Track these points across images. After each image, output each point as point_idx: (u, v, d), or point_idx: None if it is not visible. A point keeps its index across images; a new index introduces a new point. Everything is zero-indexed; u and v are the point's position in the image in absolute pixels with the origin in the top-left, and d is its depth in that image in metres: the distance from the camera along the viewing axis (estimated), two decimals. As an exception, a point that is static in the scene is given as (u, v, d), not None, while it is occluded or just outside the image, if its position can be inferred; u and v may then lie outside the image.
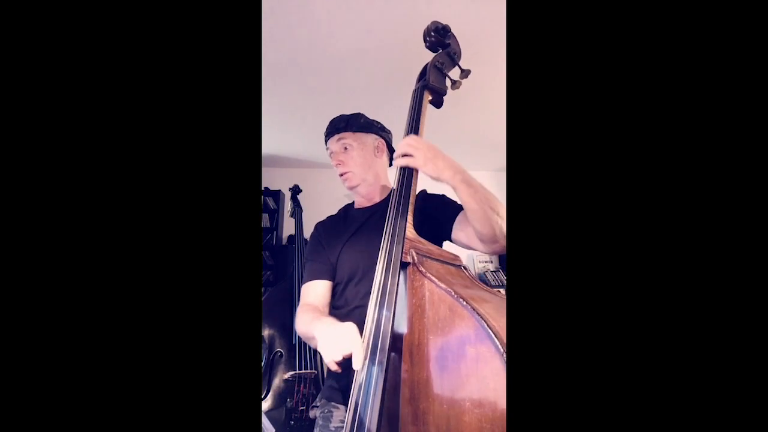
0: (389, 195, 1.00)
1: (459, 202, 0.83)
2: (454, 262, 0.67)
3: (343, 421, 0.86)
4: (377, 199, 1.02)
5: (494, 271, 3.69)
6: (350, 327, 0.65)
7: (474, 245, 0.86)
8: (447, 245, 0.87)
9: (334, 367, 0.63)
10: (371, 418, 0.53)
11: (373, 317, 0.61)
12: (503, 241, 0.77)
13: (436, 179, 0.77)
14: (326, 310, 0.91)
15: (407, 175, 0.76)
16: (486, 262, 3.77)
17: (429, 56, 0.90)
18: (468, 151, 3.55)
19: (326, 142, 1.02)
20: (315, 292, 0.93)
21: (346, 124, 0.99)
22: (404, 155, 0.77)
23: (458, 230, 0.88)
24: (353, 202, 1.07)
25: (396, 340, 0.58)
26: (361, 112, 1.03)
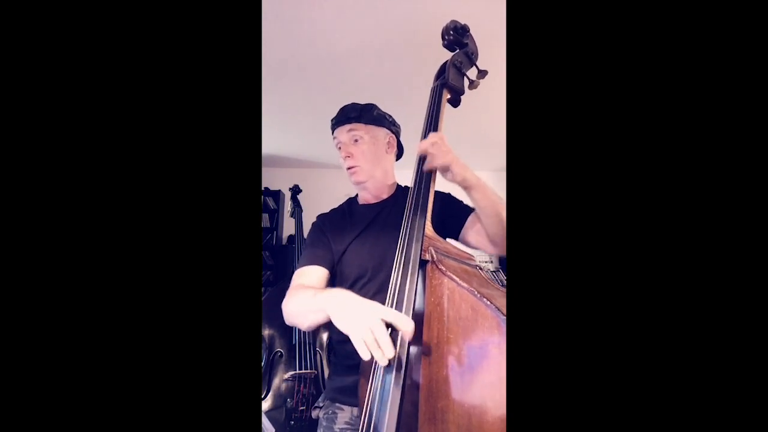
0: (396, 192, 0.99)
1: (471, 203, 0.82)
2: (469, 262, 0.67)
3: (348, 423, 0.84)
4: (384, 196, 0.98)
5: (494, 271, 3.68)
6: (374, 303, 0.58)
7: (483, 246, 0.85)
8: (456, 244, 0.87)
9: (367, 353, 0.52)
10: (388, 423, 0.52)
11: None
12: None
13: (460, 181, 0.75)
14: None
15: (426, 171, 0.75)
16: (486, 262, 3.76)
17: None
18: (468, 151, 3.55)
19: (333, 130, 0.96)
20: (310, 277, 0.86)
21: (359, 114, 0.93)
22: (430, 161, 0.73)
23: (469, 231, 0.88)
24: (356, 196, 1.03)
25: (413, 338, 0.58)
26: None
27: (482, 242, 0.85)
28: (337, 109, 0.97)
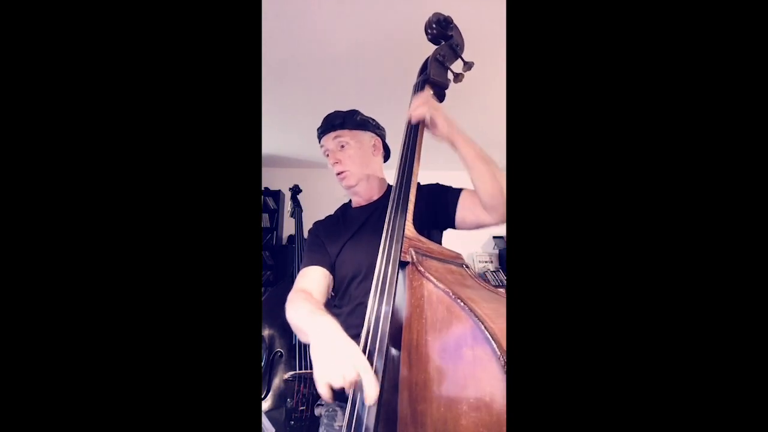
0: (386, 192, 1.01)
1: (461, 171, 0.81)
2: (455, 261, 0.66)
3: None
4: (375, 197, 1.00)
5: (494, 271, 3.69)
6: (354, 348, 0.55)
7: (482, 219, 0.83)
8: (448, 243, 0.86)
9: (327, 395, 0.52)
10: (368, 419, 0.53)
11: (373, 316, 0.60)
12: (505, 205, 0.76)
13: (446, 135, 0.76)
14: (322, 300, 0.87)
15: (407, 170, 0.75)
16: (486, 262, 3.77)
17: (430, 53, 0.89)
18: (468, 151, 3.54)
19: (320, 139, 0.99)
20: (311, 278, 0.90)
21: (342, 121, 0.96)
22: (418, 112, 0.76)
23: (463, 209, 0.87)
24: (350, 201, 1.05)
25: (395, 340, 0.58)
26: (361, 111, 1.01)
27: (477, 213, 0.83)
28: (338, 109, 0.99)
